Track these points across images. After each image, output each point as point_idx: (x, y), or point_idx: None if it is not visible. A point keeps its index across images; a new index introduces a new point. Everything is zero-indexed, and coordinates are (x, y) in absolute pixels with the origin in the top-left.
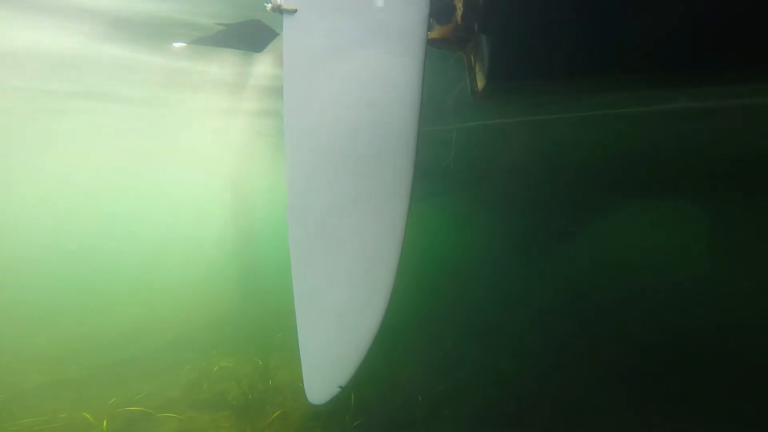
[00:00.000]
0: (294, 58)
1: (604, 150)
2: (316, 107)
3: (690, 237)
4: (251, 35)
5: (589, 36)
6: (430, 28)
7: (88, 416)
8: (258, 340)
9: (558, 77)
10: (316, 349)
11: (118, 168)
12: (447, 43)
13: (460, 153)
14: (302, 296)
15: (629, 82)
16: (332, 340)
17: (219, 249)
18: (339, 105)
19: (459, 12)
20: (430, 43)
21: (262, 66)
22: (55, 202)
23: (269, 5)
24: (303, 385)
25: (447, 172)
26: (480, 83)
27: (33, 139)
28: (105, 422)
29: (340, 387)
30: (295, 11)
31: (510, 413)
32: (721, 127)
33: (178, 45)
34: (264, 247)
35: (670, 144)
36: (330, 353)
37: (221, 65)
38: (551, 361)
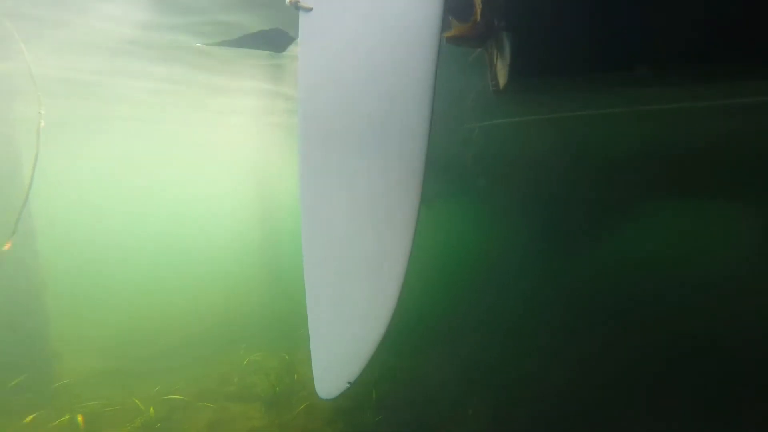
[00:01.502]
0: (308, 55)
1: (632, 148)
2: (328, 104)
3: (720, 237)
4: (273, 38)
5: (614, 30)
6: (448, 25)
7: (138, 402)
8: (284, 335)
9: (582, 73)
10: (327, 346)
11: (152, 168)
12: (466, 40)
13: (482, 151)
14: (313, 293)
15: (657, 78)
16: (342, 337)
17: (248, 247)
18: (351, 102)
19: (478, 8)
20: (450, 40)
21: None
22: (87, 200)
23: (288, 0)
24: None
25: (468, 171)
26: (501, 80)
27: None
28: (152, 409)
29: (349, 383)
30: (310, 9)
31: (534, 413)
32: (755, 125)
33: (203, 46)
34: (291, 245)
35: (702, 141)
36: (340, 350)
37: (250, 68)
38: (577, 361)
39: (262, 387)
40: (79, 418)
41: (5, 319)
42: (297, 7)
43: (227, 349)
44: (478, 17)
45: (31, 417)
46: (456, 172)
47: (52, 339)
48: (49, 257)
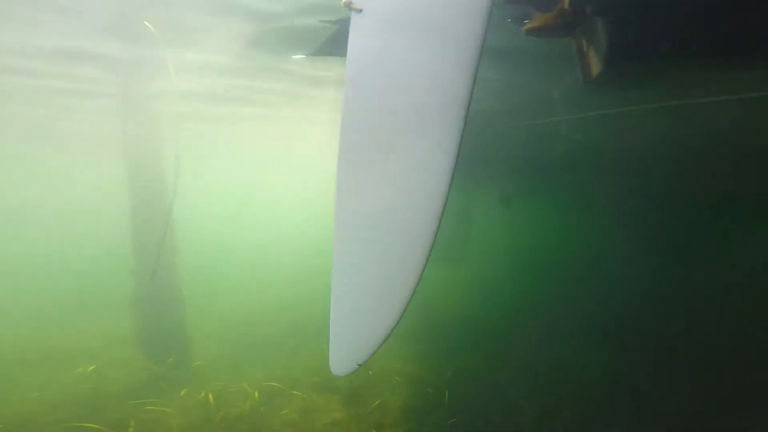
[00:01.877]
0: (356, 56)
1: (754, 139)
2: (369, 103)
3: None
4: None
5: (713, 10)
6: (529, 17)
7: (247, 387)
8: None
9: (686, 58)
10: (343, 327)
11: (243, 174)
12: (552, 29)
13: (573, 145)
14: (337, 274)
15: None
16: (357, 321)
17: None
18: (390, 102)
19: None
20: (531, 32)
21: None
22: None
23: (343, 1)
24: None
25: (553, 167)
26: (595, 69)
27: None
28: (256, 393)
29: (359, 365)
30: (360, 10)
31: None
32: None
33: (298, 57)
34: None
35: None
36: (354, 332)
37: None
38: (690, 377)
39: (341, 380)
40: (210, 397)
41: (161, 309)
42: (350, 8)
43: (310, 341)
44: (567, 5)
45: (184, 391)
46: (539, 169)
47: (187, 326)
48: (185, 257)
